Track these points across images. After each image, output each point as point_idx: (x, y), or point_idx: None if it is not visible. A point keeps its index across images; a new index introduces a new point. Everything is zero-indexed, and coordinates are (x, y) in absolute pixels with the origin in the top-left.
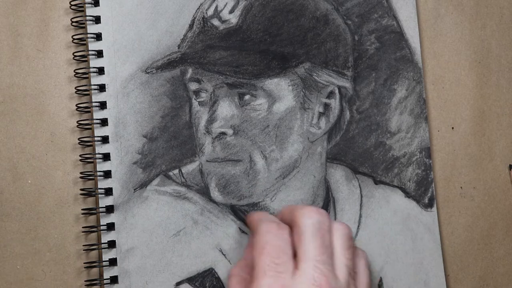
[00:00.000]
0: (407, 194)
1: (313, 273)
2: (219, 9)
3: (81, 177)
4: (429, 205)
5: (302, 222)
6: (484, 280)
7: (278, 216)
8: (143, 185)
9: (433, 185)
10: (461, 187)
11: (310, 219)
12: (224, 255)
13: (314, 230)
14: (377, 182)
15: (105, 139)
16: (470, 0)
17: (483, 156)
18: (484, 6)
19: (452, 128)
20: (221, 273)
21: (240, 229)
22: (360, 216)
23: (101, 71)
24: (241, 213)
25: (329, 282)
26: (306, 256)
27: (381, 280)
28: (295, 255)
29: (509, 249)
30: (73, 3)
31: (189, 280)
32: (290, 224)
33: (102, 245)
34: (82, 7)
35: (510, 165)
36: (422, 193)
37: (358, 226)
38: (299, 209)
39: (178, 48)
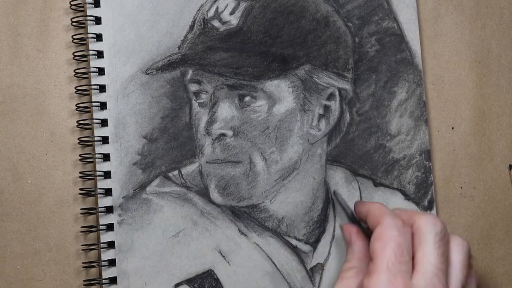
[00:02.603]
0: (407, 197)
1: (432, 279)
2: (219, 10)
3: (80, 177)
4: (428, 208)
5: (427, 229)
6: (484, 280)
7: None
8: (143, 186)
9: (432, 187)
10: (461, 187)
11: (434, 226)
12: (223, 256)
13: (437, 239)
14: (376, 184)
15: (105, 139)
16: (470, 0)
17: (483, 156)
18: (484, 6)
19: (452, 128)
20: (220, 274)
21: (239, 230)
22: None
23: (101, 71)
24: (240, 215)
25: None
26: (427, 261)
27: None
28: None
29: (509, 249)
30: (73, 3)
31: (188, 281)
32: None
33: (101, 245)
34: (82, 7)
35: (510, 165)
36: (422, 195)
37: None
38: (422, 215)
39: (179, 49)
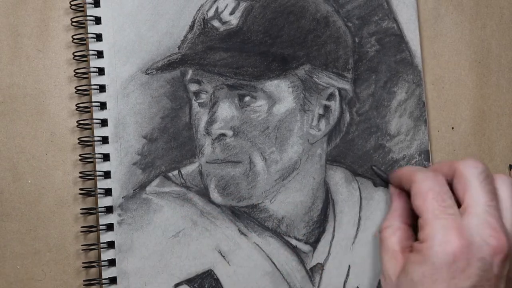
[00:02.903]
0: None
1: (485, 216)
2: (219, 10)
3: (80, 177)
4: None
5: (469, 171)
6: None
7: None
8: (143, 186)
9: None
10: None
11: (476, 168)
12: (223, 256)
13: (482, 178)
14: (376, 184)
15: (105, 140)
16: (470, 0)
17: (483, 156)
18: (484, 6)
19: (452, 128)
20: (220, 274)
21: (239, 230)
22: (360, 218)
23: (101, 71)
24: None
25: (501, 227)
26: (476, 202)
27: (380, 282)
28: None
29: None
30: (73, 3)
31: (188, 281)
32: (448, 176)
33: (101, 245)
34: (82, 7)
35: (510, 165)
36: None
37: (358, 228)
38: (460, 161)
39: (179, 49)
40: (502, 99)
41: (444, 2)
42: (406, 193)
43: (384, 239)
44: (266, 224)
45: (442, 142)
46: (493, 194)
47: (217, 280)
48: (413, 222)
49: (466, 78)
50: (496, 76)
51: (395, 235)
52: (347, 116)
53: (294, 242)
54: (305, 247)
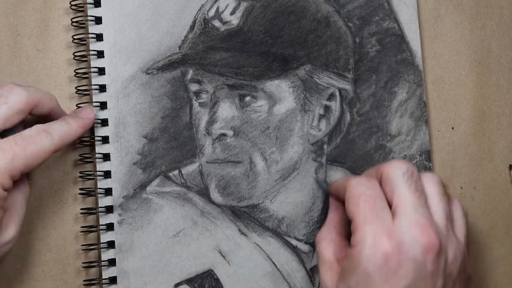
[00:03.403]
0: None
1: (414, 215)
2: (220, 10)
3: (80, 177)
4: None
5: (393, 172)
6: (484, 280)
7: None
8: (143, 185)
9: None
10: (461, 187)
11: (400, 168)
12: (223, 256)
13: (406, 178)
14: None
15: (105, 139)
16: (470, 0)
17: (483, 156)
18: (484, 6)
19: (452, 128)
20: (220, 274)
21: (239, 230)
22: None
23: (101, 71)
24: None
25: (431, 223)
26: (403, 202)
27: None
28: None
29: (509, 249)
30: (73, 3)
31: (188, 281)
32: (379, 180)
33: (101, 245)
34: (82, 7)
35: (510, 165)
36: None
37: None
38: (386, 164)
39: (179, 49)
40: (502, 99)
41: (444, 2)
42: (343, 203)
43: (320, 252)
44: (266, 224)
45: (442, 142)
46: (420, 192)
47: (217, 280)
48: (350, 231)
49: (466, 78)
50: (496, 76)
51: (329, 246)
52: (347, 116)
53: (294, 242)
54: (305, 247)
